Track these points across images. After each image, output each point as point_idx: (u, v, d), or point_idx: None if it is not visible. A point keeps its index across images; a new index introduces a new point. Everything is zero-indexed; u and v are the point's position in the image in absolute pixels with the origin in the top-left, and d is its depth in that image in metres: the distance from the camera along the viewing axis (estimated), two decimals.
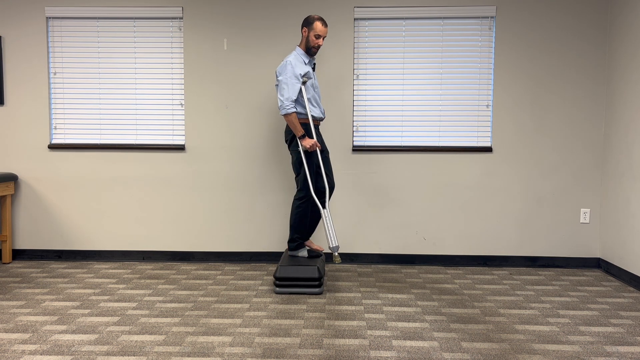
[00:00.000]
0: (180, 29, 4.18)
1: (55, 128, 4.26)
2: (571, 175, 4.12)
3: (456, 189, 4.16)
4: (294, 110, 3.43)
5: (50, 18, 4.20)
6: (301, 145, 3.49)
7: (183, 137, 4.23)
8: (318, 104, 3.64)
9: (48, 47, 4.21)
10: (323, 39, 3.53)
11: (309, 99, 3.54)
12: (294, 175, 3.69)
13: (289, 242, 3.66)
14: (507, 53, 4.07)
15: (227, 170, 4.22)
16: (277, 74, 3.50)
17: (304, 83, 3.50)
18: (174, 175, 4.23)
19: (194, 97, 4.18)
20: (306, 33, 3.53)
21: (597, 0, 4.02)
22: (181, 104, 4.21)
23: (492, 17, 4.08)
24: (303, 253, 3.64)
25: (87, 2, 4.15)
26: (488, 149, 4.12)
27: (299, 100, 3.49)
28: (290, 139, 3.58)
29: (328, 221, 3.48)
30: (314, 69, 3.64)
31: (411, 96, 4.15)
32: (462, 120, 4.14)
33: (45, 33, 4.19)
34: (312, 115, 3.53)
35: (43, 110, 4.22)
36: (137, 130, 4.24)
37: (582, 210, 4.13)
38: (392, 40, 4.12)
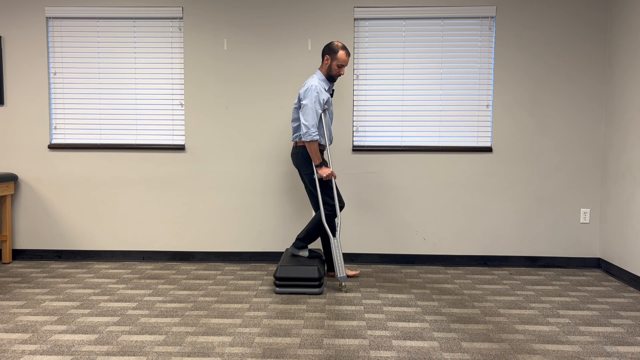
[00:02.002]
0: (180, 29, 4.18)
1: (55, 128, 4.26)
2: (571, 175, 4.12)
3: (456, 189, 4.16)
4: (318, 137, 3.42)
5: (50, 18, 4.20)
6: (317, 173, 3.48)
7: (183, 137, 4.23)
8: (329, 131, 3.63)
9: (48, 47, 4.21)
10: (344, 68, 3.50)
11: (325, 126, 3.52)
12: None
13: (297, 238, 3.64)
14: (507, 53, 4.07)
15: (227, 170, 4.22)
16: (301, 97, 3.46)
17: (323, 111, 3.49)
18: (174, 175, 4.23)
19: (194, 97, 4.18)
20: (329, 61, 3.49)
21: (597, 0, 4.02)
22: (181, 104, 4.21)
23: (492, 17, 4.08)
24: (304, 253, 3.64)
25: (87, 2, 4.15)
26: (488, 149, 4.12)
27: (317, 127, 3.47)
28: (299, 163, 3.56)
29: (338, 251, 3.45)
30: (332, 94, 3.62)
31: (411, 96, 4.15)
32: (462, 120, 4.14)
33: (45, 33, 4.19)
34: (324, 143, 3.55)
35: (43, 110, 4.22)
36: (137, 130, 4.24)
37: (582, 210, 4.13)
38: (392, 40, 4.12)
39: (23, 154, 4.26)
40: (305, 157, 3.53)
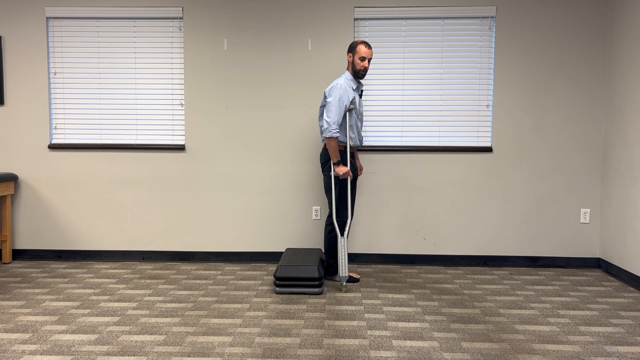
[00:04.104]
0: (180, 29, 4.18)
1: (55, 128, 4.26)
2: (571, 175, 4.12)
3: (456, 189, 4.16)
4: (339, 135, 3.43)
5: (50, 18, 4.20)
6: (334, 171, 3.49)
7: (183, 137, 4.23)
8: (358, 132, 3.63)
9: (48, 47, 4.21)
10: (369, 61, 3.50)
11: (350, 126, 3.53)
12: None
13: (325, 267, 3.66)
14: (507, 53, 4.07)
15: (227, 170, 4.22)
16: (326, 95, 3.48)
17: (349, 110, 3.49)
18: (174, 175, 4.23)
19: (194, 97, 4.18)
20: (351, 58, 3.50)
21: (597, 1, 4.02)
22: (181, 104, 4.21)
23: (492, 17, 4.08)
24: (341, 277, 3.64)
25: (87, 2, 4.15)
26: (488, 149, 4.12)
27: (340, 126, 3.48)
28: (325, 162, 3.58)
29: (343, 250, 3.47)
30: (361, 95, 3.63)
31: (411, 96, 4.15)
32: (462, 120, 4.14)
33: (45, 33, 4.19)
34: (350, 143, 3.55)
35: (43, 110, 4.22)
36: (137, 130, 4.24)
37: (582, 210, 4.13)
38: (392, 40, 4.12)
39: (23, 154, 4.26)
40: (328, 159, 3.56)
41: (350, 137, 3.54)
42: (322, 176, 3.69)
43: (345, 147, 3.55)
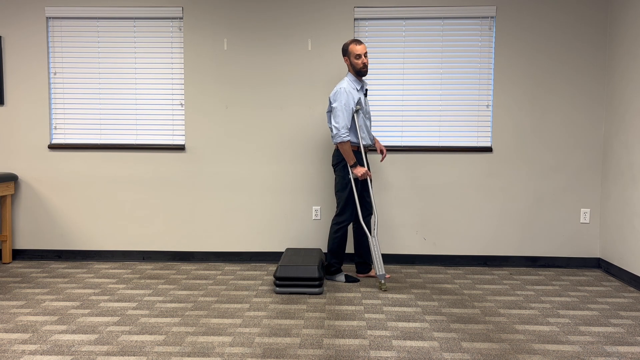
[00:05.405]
0: (180, 29, 4.18)
1: (55, 128, 4.26)
2: (571, 175, 4.12)
3: (456, 189, 4.16)
4: (349, 138, 3.45)
5: (50, 18, 4.20)
6: (352, 173, 3.52)
7: (183, 137, 4.23)
8: (368, 131, 3.66)
9: (48, 47, 4.21)
10: (366, 56, 3.51)
11: (359, 127, 3.55)
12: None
13: (326, 267, 3.66)
14: (507, 53, 4.07)
15: (227, 170, 4.22)
16: (331, 100, 3.50)
17: (356, 111, 3.51)
18: (174, 175, 4.23)
19: (194, 97, 4.18)
20: (347, 61, 3.54)
21: (597, 1, 4.02)
22: (181, 104, 4.21)
23: (492, 17, 4.08)
24: (340, 278, 3.66)
25: (87, 2, 4.15)
26: (488, 149, 4.12)
27: (350, 128, 3.50)
28: (337, 163, 3.59)
29: (376, 249, 3.48)
30: (365, 94, 3.65)
31: (411, 96, 4.15)
32: (462, 120, 4.14)
33: (45, 33, 4.19)
34: (362, 143, 3.57)
35: (43, 110, 4.22)
36: (137, 130, 4.24)
37: (582, 210, 4.13)
38: (392, 40, 4.12)
39: (23, 154, 4.25)
40: (340, 160, 3.58)
41: (361, 137, 3.57)
42: (334, 176, 3.69)
43: (359, 148, 3.57)
